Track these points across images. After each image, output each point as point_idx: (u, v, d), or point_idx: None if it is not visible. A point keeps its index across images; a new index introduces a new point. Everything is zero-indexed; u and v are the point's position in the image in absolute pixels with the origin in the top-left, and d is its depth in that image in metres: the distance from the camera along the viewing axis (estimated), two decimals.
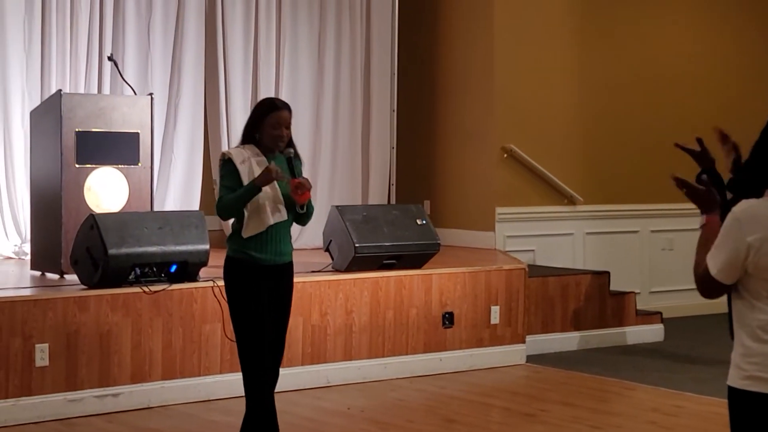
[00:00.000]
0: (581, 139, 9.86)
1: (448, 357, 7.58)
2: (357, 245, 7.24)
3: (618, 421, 6.33)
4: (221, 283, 5.09)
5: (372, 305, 7.24)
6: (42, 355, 6.00)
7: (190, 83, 8.71)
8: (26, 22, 8.05)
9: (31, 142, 7.39)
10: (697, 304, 9.06)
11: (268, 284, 4.86)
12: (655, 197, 10.05)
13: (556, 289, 8.44)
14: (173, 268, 6.51)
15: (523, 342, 7.94)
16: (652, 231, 10.26)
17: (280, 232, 4.90)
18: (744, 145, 3.47)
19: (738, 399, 3.09)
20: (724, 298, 3.24)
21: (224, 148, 8.55)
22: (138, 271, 6.38)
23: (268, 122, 4.88)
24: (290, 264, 5.00)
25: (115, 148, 7.06)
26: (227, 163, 4.90)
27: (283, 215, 4.88)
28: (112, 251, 6.22)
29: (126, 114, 7.12)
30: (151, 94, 7.47)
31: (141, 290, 6.33)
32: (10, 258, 8.07)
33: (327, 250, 7.50)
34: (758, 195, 3.07)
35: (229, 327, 5.11)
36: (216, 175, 7.05)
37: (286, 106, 4.96)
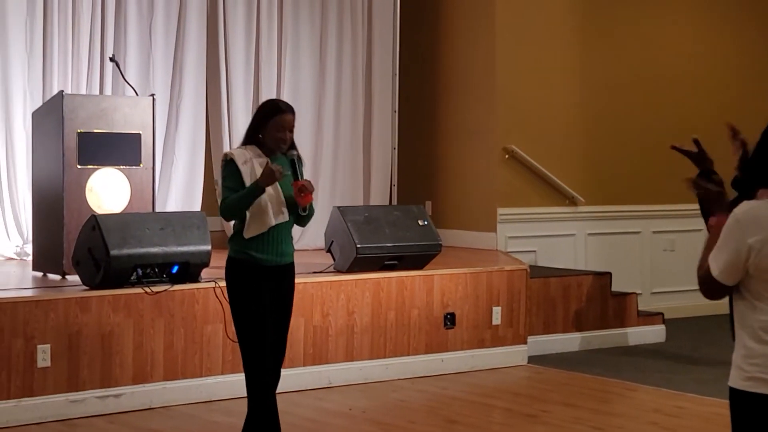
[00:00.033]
0: (582, 140, 9.86)
1: (450, 358, 7.58)
2: (358, 246, 7.24)
3: (619, 422, 6.33)
4: (223, 283, 5.08)
5: (373, 306, 7.24)
6: (44, 356, 6.00)
7: (191, 84, 8.71)
8: (28, 23, 8.05)
9: (32, 142, 7.39)
10: (698, 305, 9.04)
11: (269, 285, 4.86)
12: (656, 198, 10.05)
13: (558, 290, 8.43)
14: (175, 269, 6.51)
15: (525, 343, 7.94)
16: (654, 232, 10.25)
17: (282, 232, 4.90)
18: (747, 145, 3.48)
19: (739, 400, 3.10)
20: (725, 299, 3.24)
21: (226, 148, 8.54)
22: (140, 271, 6.38)
23: (272, 125, 4.88)
24: (292, 265, 5.00)
25: (117, 148, 7.06)
26: (229, 163, 4.89)
27: (285, 216, 4.88)
28: (113, 252, 6.22)
29: (128, 115, 7.12)
30: (152, 94, 7.46)
31: (143, 291, 6.33)
32: (12, 259, 8.07)
33: (328, 250, 7.50)
34: (751, 195, 3.08)
35: (231, 328, 5.11)
36: (218, 175, 7.05)
37: (290, 109, 4.95)
